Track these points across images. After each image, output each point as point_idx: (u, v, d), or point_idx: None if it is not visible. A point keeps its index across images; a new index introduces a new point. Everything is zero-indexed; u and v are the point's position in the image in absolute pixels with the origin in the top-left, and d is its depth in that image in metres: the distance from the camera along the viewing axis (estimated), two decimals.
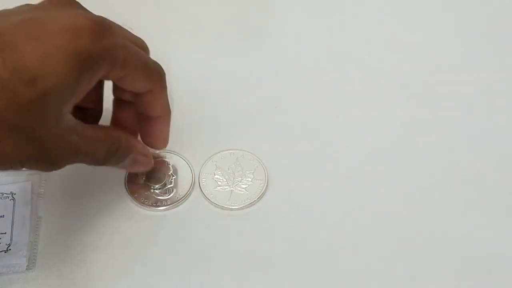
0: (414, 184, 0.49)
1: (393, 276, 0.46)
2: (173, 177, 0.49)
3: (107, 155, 0.43)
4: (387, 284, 0.46)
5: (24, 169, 0.40)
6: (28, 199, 0.47)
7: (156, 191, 0.48)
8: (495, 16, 0.58)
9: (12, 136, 0.37)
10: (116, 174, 0.49)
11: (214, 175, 0.49)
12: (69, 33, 0.38)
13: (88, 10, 0.41)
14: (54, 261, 0.46)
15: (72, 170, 0.49)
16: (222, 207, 0.48)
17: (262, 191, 0.49)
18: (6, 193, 0.48)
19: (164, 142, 0.48)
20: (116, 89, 0.46)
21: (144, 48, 0.45)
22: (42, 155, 0.39)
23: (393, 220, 0.48)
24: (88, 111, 0.45)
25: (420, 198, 0.49)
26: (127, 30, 0.44)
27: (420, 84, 0.54)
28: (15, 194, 0.48)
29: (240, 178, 0.49)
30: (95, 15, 0.40)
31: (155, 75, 0.44)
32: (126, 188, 0.48)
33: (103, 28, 0.39)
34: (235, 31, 0.57)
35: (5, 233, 0.46)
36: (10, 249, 0.45)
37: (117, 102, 0.47)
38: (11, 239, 0.46)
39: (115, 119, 0.47)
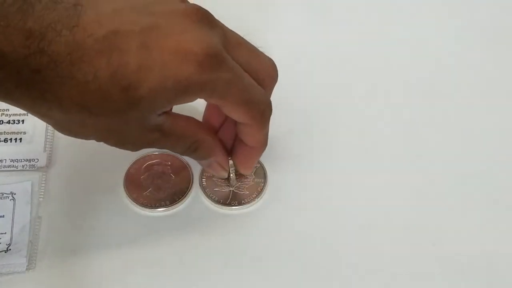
0: (415, 184, 0.49)
1: (393, 275, 0.46)
2: (172, 178, 0.49)
3: (184, 152, 0.45)
4: (387, 284, 0.45)
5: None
6: (28, 199, 0.48)
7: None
8: (496, 16, 0.58)
9: (97, 126, 0.40)
10: (116, 175, 0.49)
11: (214, 175, 0.49)
12: (179, 55, 0.38)
13: (217, 31, 0.41)
14: (54, 261, 0.46)
15: (72, 171, 0.49)
16: (222, 207, 0.48)
17: (262, 191, 0.49)
18: (6, 193, 0.48)
19: (248, 170, 0.48)
20: None
21: (267, 76, 0.44)
22: (120, 143, 0.42)
23: (393, 220, 0.48)
24: None
25: (420, 198, 0.49)
26: (253, 52, 0.44)
27: (421, 84, 0.54)
28: (15, 194, 0.48)
29: (240, 178, 0.49)
30: (216, 41, 0.40)
31: (255, 112, 0.43)
32: (125, 189, 0.48)
33: (213, 60, 0.39)
34: (234, 30, 0.57)
35: (5, 233, 0.46)
36: (10, 249, 0.45)
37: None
38: (11, 239, 0.46)
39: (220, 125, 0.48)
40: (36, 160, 0.49)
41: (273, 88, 0.46)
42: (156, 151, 0.50)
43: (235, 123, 0.45)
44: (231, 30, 0.43)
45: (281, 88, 0.54)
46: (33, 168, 0.49)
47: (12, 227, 0.46)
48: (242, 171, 0.48)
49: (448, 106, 0.53)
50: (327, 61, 0.55)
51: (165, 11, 0.40)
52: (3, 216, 0.47)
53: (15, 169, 0.49)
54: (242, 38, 0.44)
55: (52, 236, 0.46)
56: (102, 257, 0.46)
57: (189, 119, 0.44)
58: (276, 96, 0.53)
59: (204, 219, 0.48)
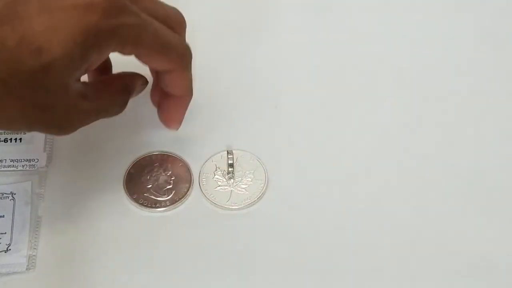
0: (414, 184, 0.49)
1: (393, 276, 0.46)
2: (172, 178, 0.49)
3: (119, 109, 0.44)
4: (387, 284, 0.46)
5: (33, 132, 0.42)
6: (28, 199, 0.48)
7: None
8: (495, 16, 0.58)
9: (18, 103, 0.38)
10: (116, 176, 0.49)
11: (214, 175, 0.49)
12: (81, 8, 0.38)
13: None
14: (54, 261, 0.46)
15: (72, 171, 0.49)
16: (222, 207, 0.48)
17: (262, 191, 0.49)
18: (6, 193, 0.48)
19: (176, 124, 0.48)
20: None
21: (176, 22, 0.45)
22: (51, 121, 0.41)
23: (393, 220, 0.48)
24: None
25: (420, 198, 0.49)
26: (157, 3, 0.44)
27: (420, 84, 0.54)
28: (15, 194, 0.48)
29: (240, 178, 0.49)
30: None
31: (175, 56, 0.44)
32: (125, 189, 0.48)
33: (117, 6, 0.39)
34: (234, 30, 0.57)
35: (5, 233, 0.46)
36: (10, 249, 0.45)
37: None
38: (11, 239, 0.46)
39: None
40: (36, 160, 0.49)
41: (185, 34, 0.46)
42: (156, 151, 0.50)
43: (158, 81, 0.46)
44: None
45: (281, 88, 0.54)
46: (33, 168, 0.49)
47: (12, 227, 0.46)
48: (172, 126, 0.48)
49: (449, 106, 0.53)
50: (327, 61, 0.55)
51: None
52: (3, 216, 0.47)
53: (15, 169, 0.49)
54: None
55: (52, 236, 0.46)
56: (102, 257, 0.46)
57: (108, 76, 0.44)
58: (276, 96, 0.53)
59: (204, 219, 0.48)
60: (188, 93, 0.47)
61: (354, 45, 0.56)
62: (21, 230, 0.46)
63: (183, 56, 0.44)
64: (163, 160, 0.50)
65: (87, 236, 0.47)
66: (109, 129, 0.50)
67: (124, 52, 0.42)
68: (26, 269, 0.45)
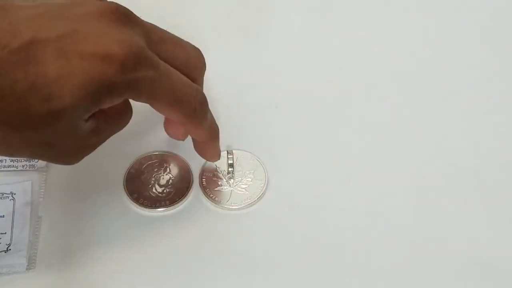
0: (414, 184, 0.49)
1: (392, 276, 0.46)
2: (172, 178, 0.49)
3: (122, 128, 0.44)
4: (387, 284, 0.46)
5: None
6: (28, 199, 0.47)
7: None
8: (495, 16, 0.58)
9: (24, 140, 0.38)
10: (116, 175, 0.49)
11: (214, 175, 0.49)
12: (99, 58, 0.37)
13: (137, 30, 0.40)
14: (54, 261, 0.46)
15: (72, 171, 0.49)
16: (222, 207, 0.48)
17: (262, 191, 0.49)
18: (6, 193, 0.48)
19: (212, 158, 0.48)
20: None
21: (195, 67, 0.44)
22: (56, 156, 0.40)
23: (393, 220, 0.48)
24: None
25: (420, 198, 0.49)
26: (177, 46, 0.43)
27: (420, 84, 0.54)
28: (15, 194, 0.48)
29: (240, 178, 0.49)
30: (137, 40, 0.39)
31: (188, 111, 0.42)
32: (125, 189, 0.48)
33: (135, 59, 0.38)
34: (234, 30, 0.57)
35: (5, 233, 0.46)
36: (10, 249, 0.45)
37: None
38: (11, 239, 0.46)
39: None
40: (36, 160, 0.49)
41: (203, 78, 0.45)
42: (156, 151, 0.50)
43: None
44: (153, 26, 0.42)
45: (281, 88, 0.54)
46: (33, 168, 0.49)
47: (12, 227, 0.46)
48: (209, 160, 0.49)
49: (449, 106, 0.53)
50: (327, 61, 0.55)
51: (82, 14, 0.39)
52: (3, 216, 0.47)
53: (15, 169, 0.49)
54: (165, 32, 0.43)
55: (52, 236, 0.46)
56: (102, 257, 0.46)
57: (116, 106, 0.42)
58: (277, 96, 0.53)
59: (204, 219, 0.48)
60: (208, 138, 0.46)
61: (354, 45, 0.56)
62: (21, 230, 0.46)
63: (196, 110, 0.43)
64: (163, 160, 0.50)
65: (87, 236, 0.47)
66: None
67: (136, 100, 0.41)
68: (26, 269, 0.45)
